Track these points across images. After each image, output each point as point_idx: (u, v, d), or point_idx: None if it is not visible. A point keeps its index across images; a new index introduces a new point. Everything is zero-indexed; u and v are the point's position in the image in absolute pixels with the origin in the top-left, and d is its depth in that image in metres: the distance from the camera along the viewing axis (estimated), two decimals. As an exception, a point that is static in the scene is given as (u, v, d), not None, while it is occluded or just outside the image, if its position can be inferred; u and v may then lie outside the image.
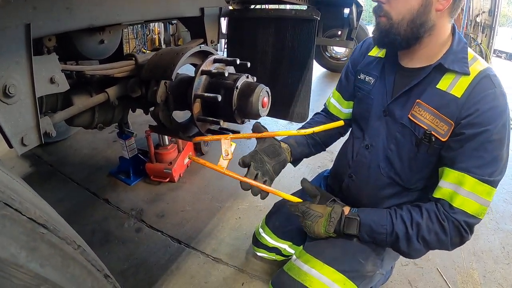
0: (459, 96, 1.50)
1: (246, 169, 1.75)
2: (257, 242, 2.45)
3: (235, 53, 3.29)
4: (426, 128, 1.58)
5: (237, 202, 3.51)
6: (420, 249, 1.63)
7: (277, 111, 3.21)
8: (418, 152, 1.65)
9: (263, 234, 2.35)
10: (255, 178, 1.72)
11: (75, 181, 4.03)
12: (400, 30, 1.53)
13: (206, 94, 1.69)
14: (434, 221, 1.56)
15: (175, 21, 11.82)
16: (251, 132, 1.83)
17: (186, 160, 4.08)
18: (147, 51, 11.19)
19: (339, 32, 6.46)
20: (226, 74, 1.68)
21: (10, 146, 1.30)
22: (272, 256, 2.44)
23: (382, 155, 1.78)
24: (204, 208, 3.47)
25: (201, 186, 3.87)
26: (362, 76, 1.93)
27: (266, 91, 1.79)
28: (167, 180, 3.88)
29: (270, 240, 2.33)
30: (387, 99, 1.75)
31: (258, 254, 2.52)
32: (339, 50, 9.49)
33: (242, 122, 1.88)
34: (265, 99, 1.78)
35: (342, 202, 1.79)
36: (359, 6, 5.65)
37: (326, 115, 2.24)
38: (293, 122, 3.57)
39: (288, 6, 3.43)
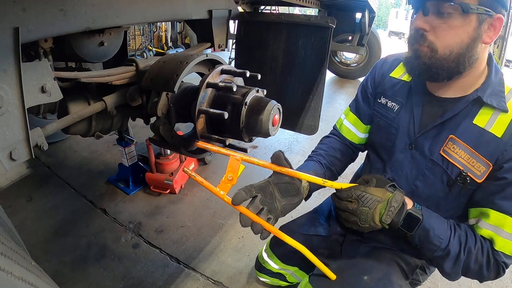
0: (499, 136, 1.40)
1: (249, 200, 1.48)
2: (260, 267, 2.34)
3: (244, 58, 3.20)
4: (461, 168, 1.47)
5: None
6: (459, 274, 1.52)
7: (285, 122, 3.09)
8: (449, 192, 1.54)
9: (267, 259, 2.24)
10: (259, 214, 1.44)
11: (72, 186, 3.95)
12: (445, 64, 1.41)
13: (211, 110, 1.57)
14: (484, 255, 1.45)
15: (182, 19, 11.77)
16: (270, 161, 1.58)
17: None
18: (153, 49, 11.22)
19: (350, 37, 6.41)
20: (234, 89, 1.56)
21: (-2, 160, 1.21)
22: (276, 282, 2.33)
23: (406, 191, 1.61)
24: (205, 224, 3.37)
25: (203, 200, 3.76)
26: (383, 100, 1.80)
27: (278, 108, 1.64)
28: (168, 191, 3.78)
29: (274, 265, 2.22)
30: (414, 131, 1.63)
31: (261, 279, 2.42)
32: (349, 56, 9.41)
33: (250, 140, 1.75)
34: (276, 117, 1.64)
35: (401, 189, 1.53)
36: (372, 11, 5.57)
37: (339, 139, 2.08)
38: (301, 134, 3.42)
39: (296, 10, 3.33)
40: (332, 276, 1.61)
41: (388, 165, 1.74)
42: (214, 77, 1.70)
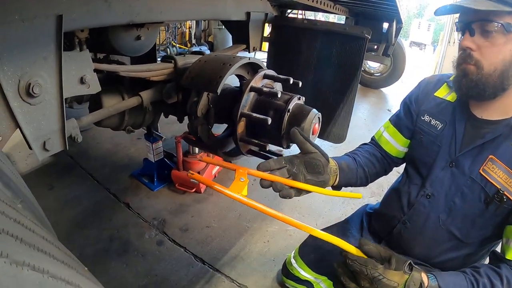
0: None
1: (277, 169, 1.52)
2: (288, 273, 2.30)
3: (276, 62, 3.15)
4: (499, 187, 1.50)
5: (265, 224, 3.33)
6: None
7: (314, 129, 3.05)
8: (486, 210, 1.55)
9: (296, 265, 2.20)
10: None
11: (95, 178, 3.94)
12: (490, 81, 1.46)
13: (254, 115, 1.55)
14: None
15: (208, 17, 11.89)
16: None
17: (214, 170, 3.95)
18: (177, 45, 11.29)
19: (376, 47, 6.33)
20: (279, 95, 1.56)
21: (31, 148, 1.19)
22: None
23: (444, 207, 1.68)
24: (230, 226, 3.32)
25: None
26: (427, 118, 1.82)
27: (318, 117, 1.66)
28: (193, 190, 3.74)
29: (303, 272, 2.18)
30: (455, 150, 1.67)
31: (287, 285, 2.37)
32: (373, 65, 9.28)
33: (288, 147, 1.74)
34: (316, 126, 1.66)
35: (417, 266, 1.40)
36: (399, 22, 5.51)
37: (377, 148, 2.07)
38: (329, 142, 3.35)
39: (319, 15, 3.29)
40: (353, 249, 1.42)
41: (428, 181, 1.75)
42: (257, 81, 1.69)
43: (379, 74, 9.16)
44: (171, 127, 4.98)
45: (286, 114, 1.60)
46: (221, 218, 3.43)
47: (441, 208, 1.68)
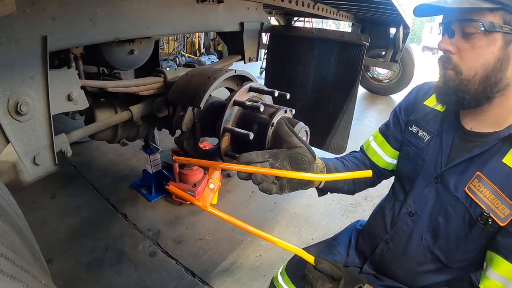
0: None
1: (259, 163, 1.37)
2: None
3: (274, 71, 3.19)
4: (484, 208, 1.34)
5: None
6: None
7: (313, 139, 3.03)
8: (469, 232, 1.41)
9: (282, 282, 2.13)
10: (266, 177, 1.35)
11: (96, 188, 4.02)
12: (470, 88, 1.32)
13: (236, 130, 1.54)
14: None
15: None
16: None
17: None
18: (186, 54, 11.34)
19: (383, 53, 6.33)
20: (262, 109, 1.53)
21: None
22: None
23: (427, 226, 1.54)
24: (224, 239, 3.34)
25: (224, 213, 3.69)
26: (414, 129, 1.69)
27: (306, 130, 1.60)
28: (189, 202, 3.71)
29: None
30: (441, 164, 1.52)
31: None
32: (382, 72, 9.21)
33: None
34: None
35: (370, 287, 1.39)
36: (406, 27, 5.50)
37: (365, 157, 1.97)
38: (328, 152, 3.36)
39: (329, 22, 3.32)
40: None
41: (411, 197, 1.63)
42: (242, 95, 1.68)
43: (387, 80, 9.12)
44: (172, 138, 4.96)
45: (270, 128, 1.55)
46: (215, 230, 3.45)
47: (425, 227, 1.55)
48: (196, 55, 12.23)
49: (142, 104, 1.84)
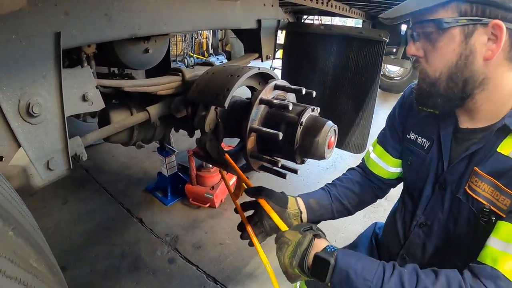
0: None
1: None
2: None
3: (291, 70, 3.11)
4: (485, 203, 1.26)
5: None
6: None
7: (332, 138, 2.98)
8: (477, 232, 1.29)
9: None
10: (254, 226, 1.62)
11: (109, 192, 3.98)
12: (440, 89, 1.29)
13: (264, 129, 1.48)
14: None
15: (225, 27, 12.08)
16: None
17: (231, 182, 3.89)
18: (194, 55, 11.36)
19: (395, 50, 6.27)
20: (291, 107, 1.47)
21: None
22: None
23: (439, 235, 1.46)
24: (245, 243, 3.17)
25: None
26: (412, 136, 1.60)
27: (334, 129, 1.54)
28: (207, 205, 3.72)
29: None
30: (443, 168, 1.45)
31: None
32: (393, 69, 9.14)
33: (302, 162, 1.64)
34: (332, 139, 1.54)
35: (322, 232, 1.43)
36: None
37: (364, 173, 1.88)
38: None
39: (336, 20, 3.26)
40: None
41: (420, 208, 1.54)
42: (267, 93, 1.62)
43: (399, 78, 9.04)
44: (187, 139, 4.90)
45: (299, 128, 1.51)
46: (235, 234, 3.30)
47: (436, 237, 1.48)
48: (204, 56, 12.27)
49: (160, 105, 1.78)
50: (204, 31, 12.34)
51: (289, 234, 1.39)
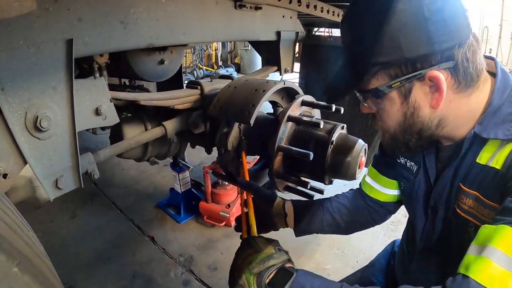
0: (499, 168, 1.12)
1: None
2: None
3: (308, 83, 3.06)
4: (471, 219, 1.21)
5: (302, 261, 3.16)
6: None
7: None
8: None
9: None
10: None
11: (119, 208, 3.91)
12: (401, 140, 1.28)
13: (294, 149, 1.43)
14: None
15: (234, 38, 12.32)
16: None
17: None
18: (204, 67, 11.49)
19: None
20: (322, 125, 1.42)
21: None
22: None
23: (443, 263, 1.41)
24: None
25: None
26: (402, 160, 1.55)
27: (365, 148, 1.52)
28: (223, 224, 3.61)
29: None
30: (431, 190, 1.40)
31: None
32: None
33: (330, 183, 1.59)
34: (363, 159, 1.52)
35: (292, 261, 1.33)
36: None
37: (361, 196, 1.77)
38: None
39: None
40: None
41: (417, 234, 1.51)
42: (295, 109, 1.56)
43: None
44: (199, 153, 4.84)
45: (329, 147, 1.46)
46: None
47: (436, 263, 1.45)
48: (213, 68, 12.49)
49: (177, 119, 1.72)
50: (214, 43, 12.47)
51: (261, 243, 1.33)
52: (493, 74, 1.23)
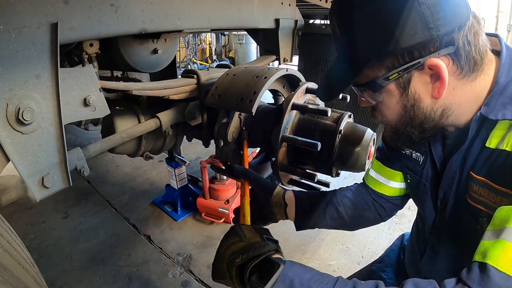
0: (510, 150, 1.06)
1: None
2: None
3: (307, 72, 3.04)
4: (482, 209, 1.16)
5: (305, 258, 3.12)
6: None
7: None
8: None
9: None
10: None
11: (113, 206, 3.85)
12: (403, 132, 1.25)
13: (300, 139, 1.36)
14: None
15: (227, 32, 12.51)
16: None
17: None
18: (198, 61, 11.52)
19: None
20: (329, 113, 1.35)
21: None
22: None
23: (455, 257, 1.36)
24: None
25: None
26: (407, 151, 1.50)
27: (374, 138, 1.46)
28: (222, 220, 3.55)
29: None
30: (441, 184, 1.34)
31: None
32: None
33: (337, 175, 1.54)
34: (372, 149, 1.46)
35: (281, 251, 1.27)
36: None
37: (366, 191, 1.71)
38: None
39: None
40: None
41: (426, 229, 1.47)
42: (299, 97, 1.50)
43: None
44: (195, 147, 4.89)
45: (337, 136, 1.40)
46: None
47: (452, 259, 1.39)
48: (207, 62, 12.61)
49: (172, 111, 1.67)
50: (208, 37, 12.55)
51: (247, 231, 1.27)
52: (497, 53, 1.17)
